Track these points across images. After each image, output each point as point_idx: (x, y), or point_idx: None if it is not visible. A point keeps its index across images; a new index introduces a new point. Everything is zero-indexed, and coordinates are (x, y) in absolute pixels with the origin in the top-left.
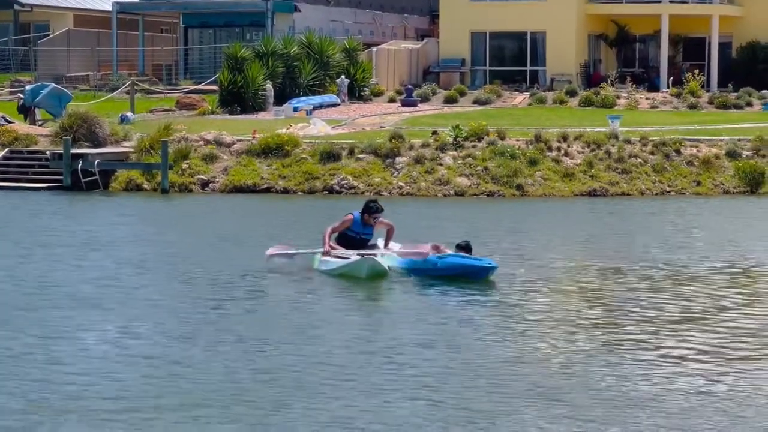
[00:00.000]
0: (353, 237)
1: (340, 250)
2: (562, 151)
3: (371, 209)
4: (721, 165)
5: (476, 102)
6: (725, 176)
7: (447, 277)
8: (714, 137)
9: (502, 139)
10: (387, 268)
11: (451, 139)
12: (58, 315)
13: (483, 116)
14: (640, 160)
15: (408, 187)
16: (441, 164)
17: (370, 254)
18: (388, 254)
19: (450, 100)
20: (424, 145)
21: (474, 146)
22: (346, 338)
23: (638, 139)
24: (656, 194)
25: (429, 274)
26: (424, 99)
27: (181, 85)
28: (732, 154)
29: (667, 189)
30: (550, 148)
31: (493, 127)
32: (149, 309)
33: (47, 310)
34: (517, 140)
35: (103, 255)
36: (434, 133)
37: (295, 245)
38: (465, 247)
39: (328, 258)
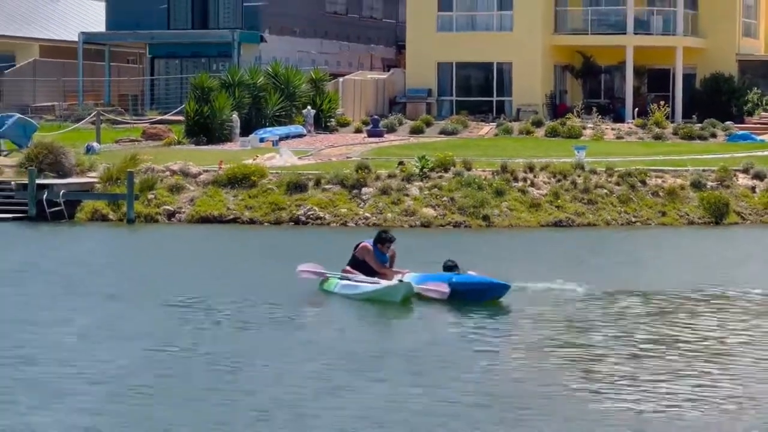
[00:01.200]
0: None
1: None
2: (529, 182)
3: (385, 239)
4: (686, 195)
5: (443, 132)
6: (690, 207)
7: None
8: (679, 168)
9: (469, 169)
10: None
11: (417, 170)
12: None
13: (449, 147)
14: (605, 190)
15: (374, 218)
16: (407, 195)
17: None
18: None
19: (416, 131)
20: (391, 176)
21: (440, 177)
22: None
23: (604, 169)
24: (622, 225)
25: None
26: (391, 129)
27: (148, 116)
28: (697, 185)
29: (633, 219)
30: (516, 179)
31: (459, 158)
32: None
33: None
34: (484, 171)
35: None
36: (400, 163)
37: (326, 267)
38: (452, 267)
39: (351, 282)
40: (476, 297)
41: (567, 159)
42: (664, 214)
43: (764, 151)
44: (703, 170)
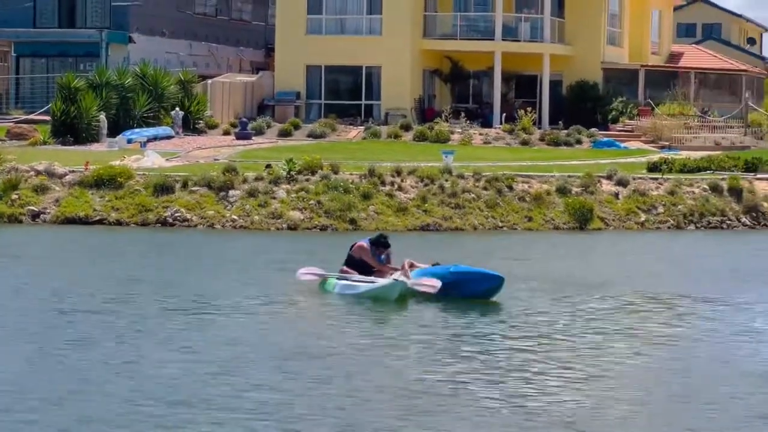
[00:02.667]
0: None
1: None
2: (396, 186)
3: (382, 244)
4: (551, 201)
5: (311, 135)
6: (555, 212)
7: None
8: (545, 173)
9: (336, 173)
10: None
11: (284, 173)
12: None
13: (317, 150)
14: (473, 195)
15: (241, 221)
16: (274, 198)
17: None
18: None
19: (285, 134)
20: (258, 179)
21: (308, 180)
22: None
23: (471, 174)
24: (489, 229)
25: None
26: (259, 132)
27: (12, 115)
28: (562, 191)
29: (500, 224)
30: (383, 183)
31: (327, 161)
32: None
33: None
34: (351, 174)
35: None
36: (268, 166)
37: (326, 269)
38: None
39: (349, 282)
40: (472, 288)
41: (435, 163)
42: (530, 219)
43: (627, 158)
44: (569, 176)
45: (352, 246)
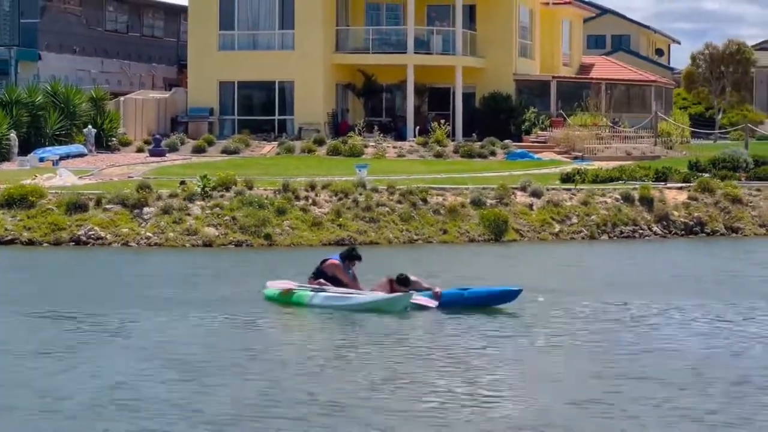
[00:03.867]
0: (341, 283)
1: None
2: (310, 201)
3: (354, 257)
4: (466, 213)
5: (225, 152)
6: (470, 224)
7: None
8: (459, 186)
9: (250, 188)
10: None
11: (199, 189)
12: None
13: (231, 166)
14: (387, 208)
15: (156, 238)
16: (189, 214)
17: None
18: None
19: (198, 150)
20: (172, 195)
21: (222, 196)
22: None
23: (385, 187)
24: (403, 242)
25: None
26: (173, 149)
27: None
28: (477, 203)
29: (415, 237)
30: (298, 197)
31: (241, 177)
32: None
33: None
34: (266, 189)
35: None
36: (182, 183)
37: (297, 282)
38: (404, 280)
39: (342, 294)
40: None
41: (349, 177)
42: (445, 231)
43: (541, 169)
44: (483, 188)
45: (323, 262)
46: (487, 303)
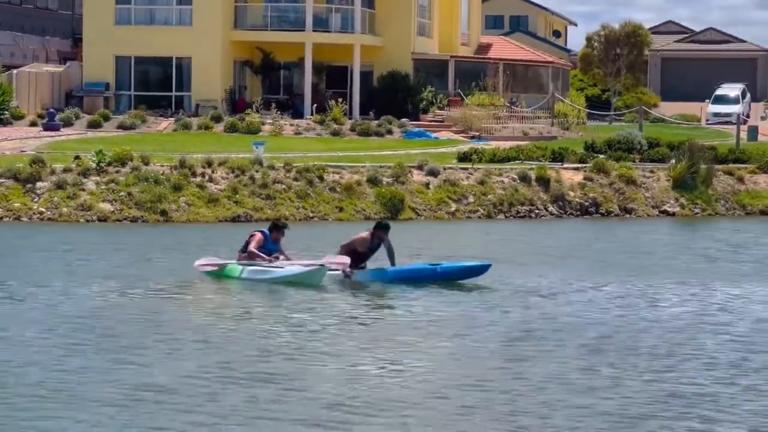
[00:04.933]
0: (268, 252)
1: (282, 261)
2: (207, 177)
3: (281, 227)
4: (363, 191)
5: (121, 127)
6: (367, 202)
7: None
8: (356, 164)
9: (147, 164)
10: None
11: (94, 165)
12: None
13: (127, 141)
14: (284, 186)
15: (49, 213)
16: (83, 190)
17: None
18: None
19: (94, 125)
20: (66, 170)
21: (118, 171)
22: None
23: (282, 165)
24: (300, 220)
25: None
26: (67, 123)
27: None
28: (373, 181)
29: (311, 215)
30: (194, 174)
31: (137, 153)
32: None
33: None
34: (162, 166)
35: None
36: (77, 158)
37: (223, 257)
38: (384, 226)
39: (265, 268)
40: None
41: (246, 154)
42: (341, 209)
43: (438, 148)
44: (380, 166)
45: (251, 235)
46: (456, 278)
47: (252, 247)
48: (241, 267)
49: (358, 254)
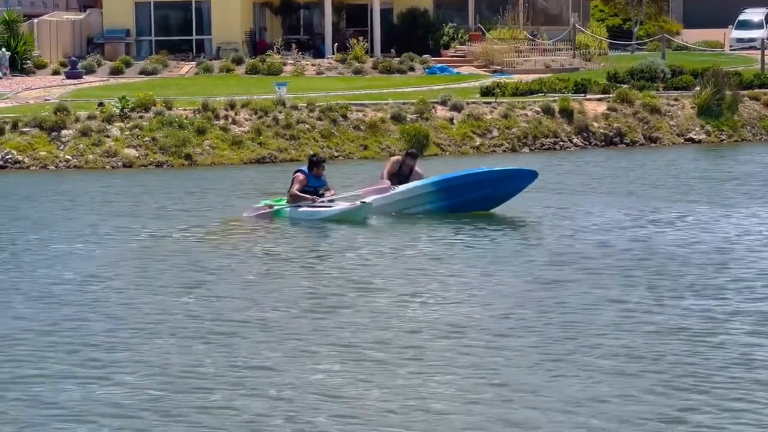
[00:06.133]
0: (313, 190)
1: (321, 200)
2: (230, 120)
3: (316, 162)
4: (386, 129)
5: (143, 73)
6: (391, 139)
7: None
8: (379, 101)
9: (170, 109)
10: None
11: (117, 111)
12: None
13: (150, 87)
14: (307, 125)
15: (75, 160)
16: (108, 136)
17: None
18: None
19: (116, 72)
20: (91, 117)
21: (141, 117)
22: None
23: (305, 105)
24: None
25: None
26: (89, 71)
27: None
28: (397, 118)
29: (335, 154)
30: (217, 117)
31: (160, 98)
32: None
33: None
34: (185, 110)
35: None
36: (100, 104)
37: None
38: (413, 154)
39: (310, 209)
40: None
41: (268, 96)
42: (366, 147)
43: (461, 83)
44: (403, 103)
45: (293, 175)
46: (496, 187)
47: (295, 188)
48: (288, 209)
49: (393, 176)
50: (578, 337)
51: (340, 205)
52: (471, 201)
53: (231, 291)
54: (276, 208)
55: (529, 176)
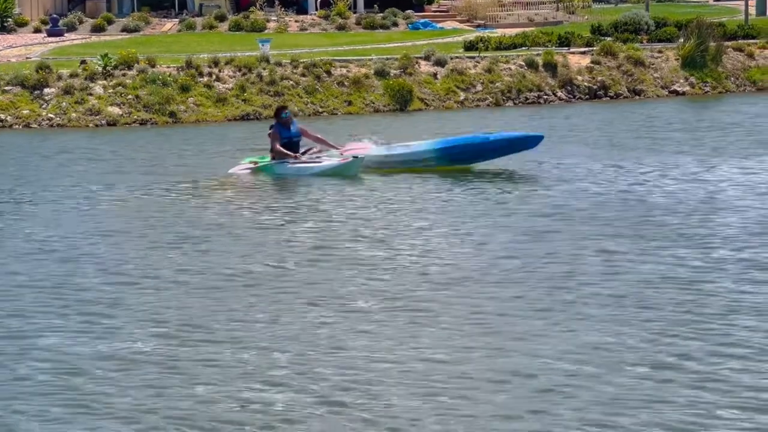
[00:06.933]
0: (289, 141)
1: (309, 155)
2: (214, 77)
3: (279, 111)
4: (371, 84)
5: (125, 30)
6: (375, 95)
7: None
8: (363, 57)
9: (153, 66)
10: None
11: (100, 69)
12: None
13: (132, 44)
14: (291, 82)
15: (58, 119)
16: (91, 94)
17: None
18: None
19: (98, 29)
20: (73, 75)
21: (124, 75)
22: None
23: (289, 61)
24: (309, 115)
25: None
26: (71, 28)
27: None
28: (381, 73)
29: (320, 110)
30: (201, 74)
31: (143, 55)
32: None
33: None
34: (168, 67)
35: None
36: (83, 62)
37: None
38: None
39: (300, 164)
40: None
41: (252, 53)
42: (350, 103)
43: (444, 38)
44: (387, 59)
45: (269, 131)
46: (500, 152)
47: (276, 145)
48: (276, 166)
49: None
50: (567, 287)
51: (331, 160)
52: (471, 161)
53: (222, 245)
54: (261, 164)
55: (535, 141)
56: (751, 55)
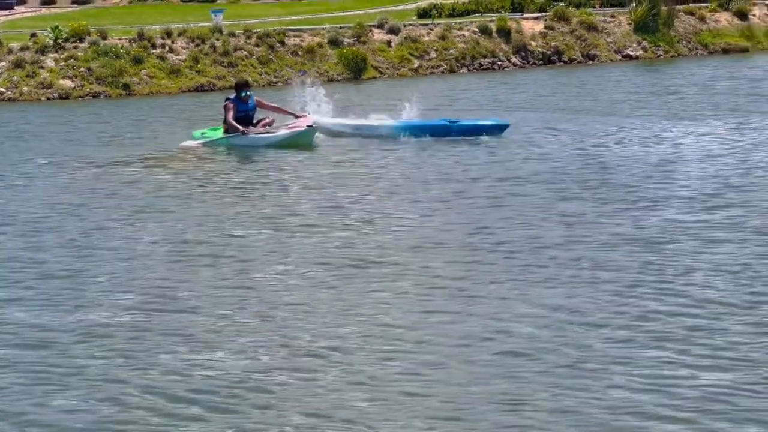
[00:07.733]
0: (246, 115)
1: (258, 128)
2: (167, 48)
3: (240, 88)
4: (324, 53)
5: (75, 2)
6: (329, 64)
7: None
8: (316, 26)
9: (105, 38)
10: None
11: (51, 41)
12: None
13: (83, 16)
14: (245, 52)
15: (9, 93)
16: (42, 67)
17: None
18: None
19: (48, 2)
20: (24, 49)
21: (76, 47)
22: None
23: (242, 32)
24: (263, 86)
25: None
26: (21, 1)
27: None
28: (334, 42)
29: (274, 80)
30: (154, 46)
31: (94, 27)
32: None
33: None
34: (120, 39)
35: None
36: (33, 35)
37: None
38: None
39: (253, 135)
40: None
41: (205, 23)
42: (304, 72)
43: (397, 5)
44: (340, 27)
45: (224, 107)
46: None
47: (229, 116)
48: (230, 138)
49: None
50: (526, 250)
51: (286, 130)
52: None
53: (180, 216)
54: (216, 137)
55: (500, 129)
56: (702, 19)
